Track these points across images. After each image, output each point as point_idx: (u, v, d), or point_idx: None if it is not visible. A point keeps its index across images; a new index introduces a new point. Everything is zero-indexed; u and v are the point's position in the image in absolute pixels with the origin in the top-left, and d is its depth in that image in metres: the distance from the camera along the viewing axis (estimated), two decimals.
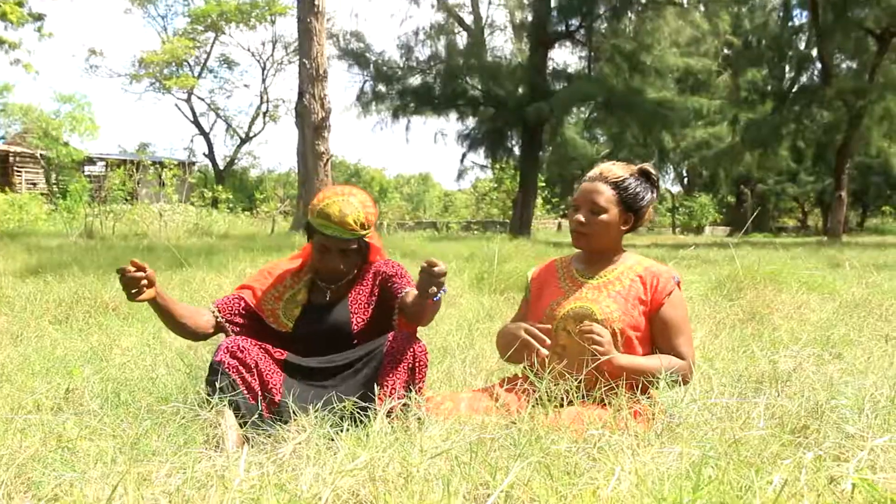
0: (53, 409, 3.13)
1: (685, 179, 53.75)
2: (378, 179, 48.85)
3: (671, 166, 47.29)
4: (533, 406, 2.67)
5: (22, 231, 19.89)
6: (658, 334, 3.02)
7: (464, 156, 35.95)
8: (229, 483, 1.90)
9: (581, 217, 3.10)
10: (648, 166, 3.19)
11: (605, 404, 2.79)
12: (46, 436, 2.56)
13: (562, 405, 2.74)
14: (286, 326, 3.25)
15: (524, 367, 2.97)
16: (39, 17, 27.49)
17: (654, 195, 3.19)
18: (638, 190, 3.11)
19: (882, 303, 6.19)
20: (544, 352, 2.93)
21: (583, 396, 2.82)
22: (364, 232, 3.17)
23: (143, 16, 61.18)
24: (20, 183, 35.21)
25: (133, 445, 2.51)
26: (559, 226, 40.11)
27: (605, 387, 2.79)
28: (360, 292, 3.31)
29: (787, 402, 2.57)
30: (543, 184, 30.24)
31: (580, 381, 2.82)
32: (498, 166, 37.63)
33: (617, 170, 3.14)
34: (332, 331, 3.19)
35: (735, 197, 49.41)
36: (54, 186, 32.34)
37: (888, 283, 7.95)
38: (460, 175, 38.91)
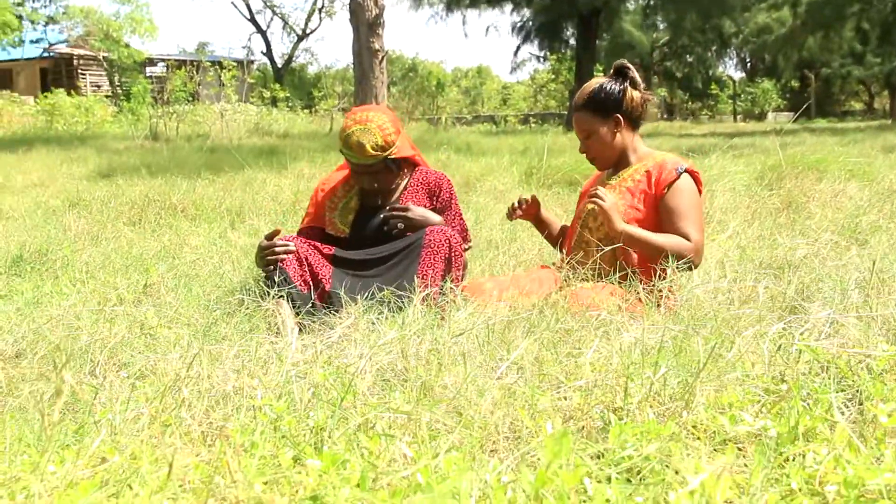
0: (134, 301, 3.50)
1: (747, 65, 52.53)
2: (435, 73, 48.48)
3: (733, 52, 46.27)
4: (555, 292, 3.00)
5: (90, 134, 20.43)
6: (664, 221, 3.23)
7: (518, 48, 35.60)
8: (285, 360, 2.25)
9: (580, 148, 3.43)
10: (621, 61, 3.41)
11: (621, 289, 3.09)
12: (131, 324, 2.95)
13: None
14: (343, 231, 3.58)
15: (554, 262, 3.32)
16: None
17: (630, 85, 3.35)
18: (608, 92, 3.33)
19: None
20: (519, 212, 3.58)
21: (599, 281, 3.13)
22: (386, 153, 3.45)
23: None
24: (85, 86, 35.81)
25: (205, 332, 2.88)
26: None
27: (620, 272, 3.09)
28: (418, 199, 3.62)
29: (783, 286, 2.84)
30: (601, 74, 29.91)
31: (597, 266, 3.13)
32: (555, 57, 37.19)
33: (586, 89, 3.40)
34: (390, 227, 3.50)
35: (799, 81, 48.25)
36: (118, 88, 32.89)
37: None
38: (515, 68, 38.53)
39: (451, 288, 3.13)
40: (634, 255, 3.22)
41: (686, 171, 3.27)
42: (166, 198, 6.54)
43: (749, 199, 6.34)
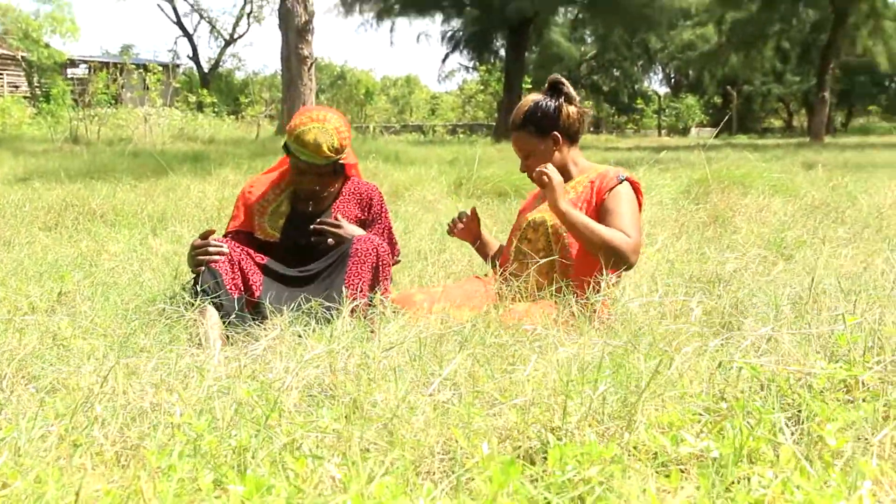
0: (47, 310, 3.34)
1: (672, 80, 53.49)
2: (364, 82, 48.29)
3: (658, 67, 47.09)
4: (488, 307, 2.93)
5: (6, 136, 19.85)
6: (602, 222, 3.15)
7: (446, 56, 35.83)
8: (206, 374, 2.14)
9: (521, 167, 3.41)
10: (555, 77, 3.39)
11: (556, 303, 3.04)
12: (43, 334, 2.80)
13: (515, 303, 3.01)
14: (273, 236, 3.48)
15: (486, 273, 3.26)
16: None
17: (565, 100, 3.33)
18: (543, 110, 3.31)
19: (839, 205, 6.42)
20: (460, 225, 3.57)
21: (534, 297, 3.07)
22: (338, 156, 3.39)
23: None
24: (2, 86, 34.84)
25: (122, 343, 2.75)
26: None
27: (555, 286, 3.04)
28: (348, 209, 3.54)
29: (716, 301, 2.82)
30: (529, 86, 30.16)
31: (530, 280, 3.07)
32: (484, 68, 37.37)
33: (521, 108, 3.38)
34: (318, 240, 3.42)
35: (721, 98, 49.26)
36: (37, 89, 32.07)
37: (853, 184, 8.18)
38: (444, 77, 38.65)
39: (380, 299, 3.05)
40: (570, 267, 3.18)
41: (626, 179, 3.27)
42: (85, 202, 6.34)
43: (676, 213, 6.39)
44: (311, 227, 3.40)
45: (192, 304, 3.02)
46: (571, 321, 2.79)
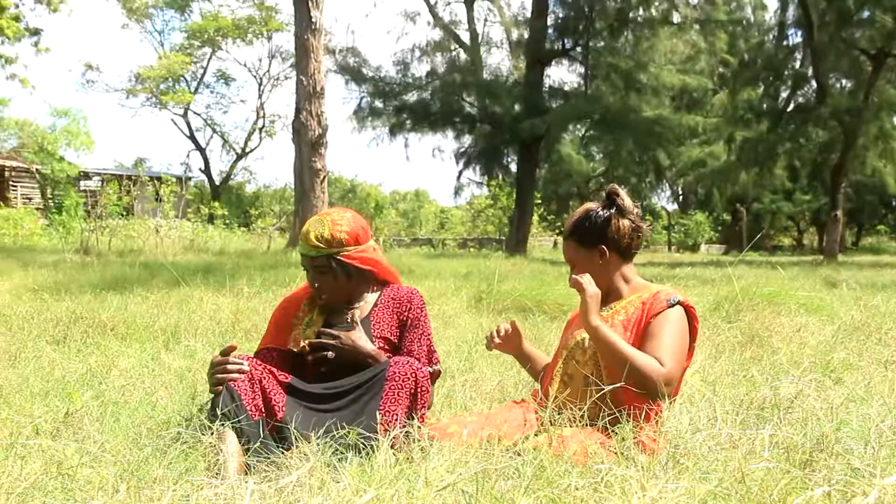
0: (53, 433, 3.10)
1: (681, 197, 53.89)
2: (374, 195, 48.76)
3: (667, 184, 47.46)
4: (536, 433, 2.68)
5: (18, 246, 19.87)
6: (641, 347, 2.94)
7: (460, 173, 36.08)
8: None
9: (570, 277, 3.14)
10: (613, 187, 3.20)
11: (608, 433, 2.79)
12: (47, 463, 2.54)
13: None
14: (304, 349, 3.24)
15: (531, 395, 3.01)
16: (36, 32, 27.54)
17: (616, 213, 3.15)
18: (594, 222, 3.13)
19: (881, 326, 6.19)
20: (497, 340, 3.43)
21: (586, 424, 2.81)
22: (332, 250, 3.21)
23: (139, 31, 61.20)
24: (15, 197, 35.18)
25: (134, 472, 2.50)
26: (555, 243, 40.09)
27: (608, 415, 2.79)
28: (385, 315, 3.32)
29: (791, 433, 2.56)
30: (539, 201, 30.36)
31: (584, 410, 2.81)
32: (494, 183, 37.67)
33: (573, 215, 3.23)
34: (316, 357, 3.19)
35: (731, 215, 49.51)
36: (49, 201, 32.33)
37: (885, 305, 7.95)
38: (457, 192, 39.05)
39: (417, 427, 2.79)
40: (622, 393, 2.93)
41: (679, 303, 3.02)
42: (95, 315, 6.14)
43: (709, 332, 6.15)
44: (305, 341, 3.20)
45: (210, 428, 2.78)
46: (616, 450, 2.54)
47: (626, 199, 3.15)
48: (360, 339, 3.17)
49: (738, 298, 7.29)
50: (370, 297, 3.37)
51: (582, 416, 2.78)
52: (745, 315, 6.72)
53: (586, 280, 2.93)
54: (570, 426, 2.78)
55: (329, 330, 3.18)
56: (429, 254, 24.50)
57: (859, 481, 1.86)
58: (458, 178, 37.31)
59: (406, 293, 3.36)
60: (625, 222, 3.12)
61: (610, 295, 3.14)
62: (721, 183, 37.79)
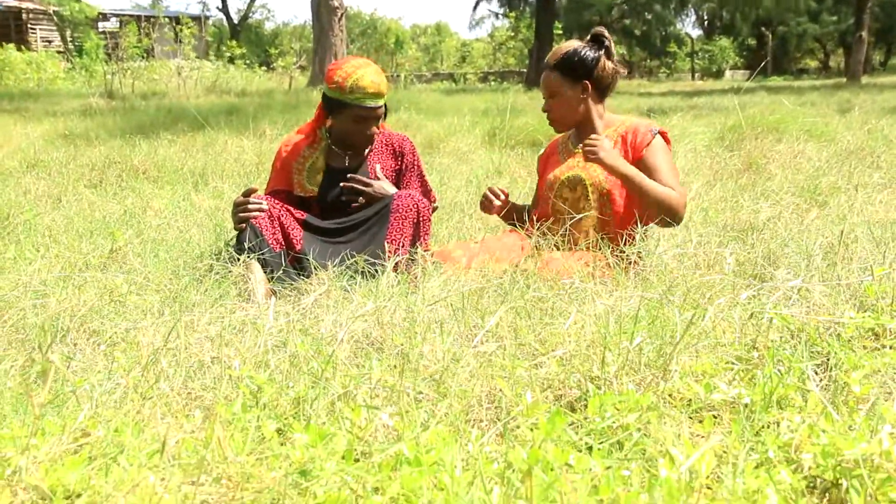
0: (101, 266, 3.45)
1: (705, 23, 52.61)
2: (394, 30, 48.00)
3: (691, 9, 46.31)
4: (525, 258, 3.03)
5: (43, 91, 20.01)
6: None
7: (477, 3, 35.32)
8: (261, 328, 2.26)
9: (543, 106, 3.44)
10: (599, 30, 3.42)
11: (594, 255, 3.13)
12: (100, 291, 2.93)
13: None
14: (312, 191, 3.58)
15: (519, 226, 3.35)
16: None
17: (605, 54, 3.37)
18: (581, 57, 3.34)
19: (875, 150, 6.40)
20: (497, 202, 3.50)
21: (572, 249, 3.16)
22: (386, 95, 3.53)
23: None
24: (35, 41, 35.01)
25: (175, 299, 2.87)
26: None
27: (590, 242, 3.13)
28: (382, 160, 3.64)
29: (749, 252, 2.89)
30: (560, 32, 29.87)
31: (567, 235, 3.15)
32: (514, 14, 36.97)
33: (560, 49, 3.40)
34: (349, 199, 3.52)
35: (756, 39, 48.44)
36: (70, 44, 32.20)
37: (890, 128, 8.12)
38: (475, 24, 38.23)
39: (421, 254, 3.15)
40: (610, 222, 3.26)
41: (658, 132, 3.33)
42: (127, 159, 6.47)
43: (710, 160, 6.41)
44: (341, 184, 3.50)
45: (238, 260, 3.14)
46: (608, 272, 2.88)
47: (612, 43, 3.40)
48: (389, 186, 3.52)
49: (743, 127, 7.49)
50: None
51: (566, 241, 3.13)
52: (746, 143, 6.93)
53: (598, 139, 3.17)
54: (559, 251, 3.13)
55: (359, 177, 3.49)
56: (449, 89, 24.45)
57: (782, 286, 2.19)
58: (475, 8, 36.56)
59: (398, 140, 3.69)
60: (609, 64, 3.38)
61: (584, 130, 3.42)
62: (745, 7, 36.84)
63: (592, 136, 3.20)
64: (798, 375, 1.72)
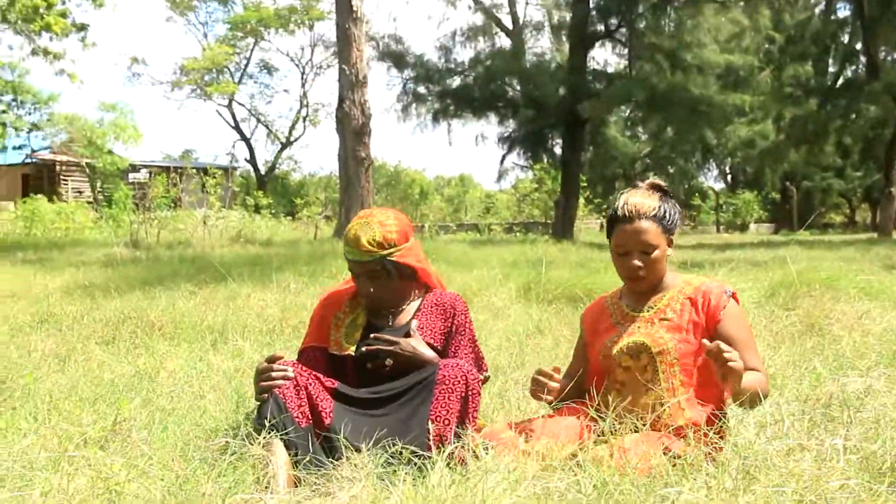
0: (101, 441, 3.05)
1: (729, 177, 53.14)
2: (418, 181, 48.74)
3: (714, 163, 46.83)
4: (595, 443, 2.58)
5: (69, 240, 20.11)
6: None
7: (504, 157, 35.67)
8: None
9: (638, 262, 2.97)
10: (657, 181, 3.10)
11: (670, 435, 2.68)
12: (94, 479, 2.49)
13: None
14: (347, 349, 3.17)
15: (588, 405, 2.88)
16: (83, 28, 27.69)
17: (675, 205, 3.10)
18: (672, 212, 3.01)
19: None
20: (553, 384, 2.87)
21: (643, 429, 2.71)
22: (384, 252, 3.12)
23: (184, 24, 61.72)
24: (66, 192, 35.73)
25: (182, 487, 2.44)
26: (601, 226, 39.75)
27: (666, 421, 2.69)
28: (430, 321, 3.22)
29: (865, 439, 2.43)
30: (585, 183, 30.03)
31: (641, 417, 2.71)
32: (538, 167, 37.37)
33: (648, 201, 2.99)
34: (374, 364, 3.10)
35: (780, 193, 48.73)
36: (99, 194, 32.75)
37: None
38: (501, 176, 38.70)
39: (469, 434, 2.70)
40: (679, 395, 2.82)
41: (731, 294, 3.00)
42: (143, 314, 6.13)
43: (766, 320, 5.98)
44: (363, 347, 3.08)
45: (258, 438, 2.71)
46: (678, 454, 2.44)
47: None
48: (420, 345, 3.08)
49: (795, 284, 7.09)
50: (412, 303, 3.29)
51: (636, 419, 2.69)
52: (802, 301, 6.52)
53: (725, 348, 2.62)
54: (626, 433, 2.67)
55: (386, 336, 3.08)
56: (475, 240, 24.39)
57: None
58: (502, 162, 36.91)
59: (450, 299, 3.26)
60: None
61: (655, 287, 3.04)
62: (770, 162, 37.14)
63: (723, 344, 2.67)
64: None
